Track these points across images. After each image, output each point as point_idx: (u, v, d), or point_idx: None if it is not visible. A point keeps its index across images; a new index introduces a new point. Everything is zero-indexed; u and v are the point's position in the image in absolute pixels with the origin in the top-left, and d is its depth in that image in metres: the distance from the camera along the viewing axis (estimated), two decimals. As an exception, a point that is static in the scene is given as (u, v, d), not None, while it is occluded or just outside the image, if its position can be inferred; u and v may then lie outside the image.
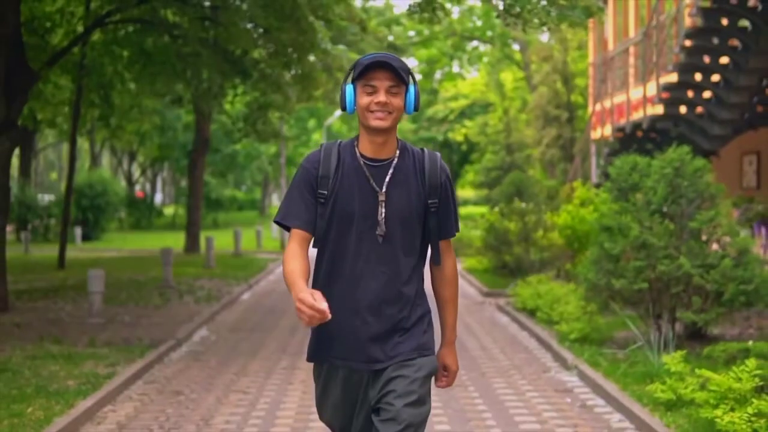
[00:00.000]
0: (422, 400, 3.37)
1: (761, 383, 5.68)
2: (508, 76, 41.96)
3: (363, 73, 3.36)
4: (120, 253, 26.94)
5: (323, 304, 3.05)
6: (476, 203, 49.47)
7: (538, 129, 31.29)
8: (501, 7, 11.70)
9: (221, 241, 28.40)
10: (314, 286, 3.42)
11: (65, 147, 55.04)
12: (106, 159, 57.73)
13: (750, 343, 7.62)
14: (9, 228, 27.74)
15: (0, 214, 12.24)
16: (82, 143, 47.10)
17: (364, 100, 3.36)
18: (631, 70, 19.65)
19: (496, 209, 17.64)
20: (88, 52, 18.51)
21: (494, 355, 9.96)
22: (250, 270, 20.14)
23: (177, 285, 16.09)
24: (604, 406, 7.47)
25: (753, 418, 5.15)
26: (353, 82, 3.40)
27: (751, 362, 5.72)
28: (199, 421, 6.99)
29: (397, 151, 3.46)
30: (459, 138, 46.86)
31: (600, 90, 22.33)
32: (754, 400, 5.30)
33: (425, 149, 3.52)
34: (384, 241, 3.39)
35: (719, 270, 8.64)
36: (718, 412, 5.28)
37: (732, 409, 5.37)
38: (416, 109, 3.46)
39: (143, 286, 16.00)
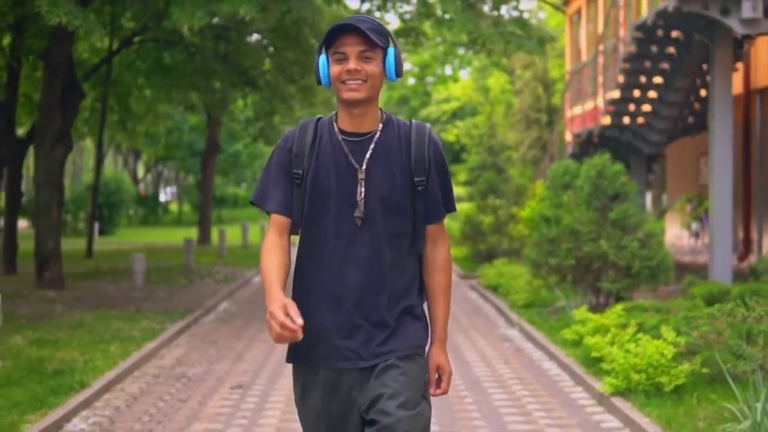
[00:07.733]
0: (416, 404, 3.00)
1: (624, 321, 8.26)
2: (497, 81, 44.48)
3: (332, 40, 3.00)
4: (136, 245, 29.42)
5: (298, 322, 2.86)
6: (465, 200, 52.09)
7: (520, 131, 33.86)
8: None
9: (229, 234, 30.90)
10: (295, 275, 3.14)
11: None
12: (109, 158, 59.86)
13: (640, 300, 10.19)
14: (28, 224, 30.40)
15: (57, 208, 14.75)
16: (87, 143, 49.36)
17: (335, 69, 3.00)
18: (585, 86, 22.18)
19: (473, 204, 20.24)
20: (114, 66, 21.02)
21: (460, 320, 12.53)
22: (258, 259, 22.53)
23: (197, 270, 18.67)
24: (532, 348, 10.07)
25: (612, 340, 7.72)
26: (326, 53, 3.05)
27: (619, 306, 8.32)
28: (234, 357, 9.60)
29: (380, 124, 3.07)
30: (451, 138, 49.53)
31: (566, 98, 24.92)
32: (613, 329, 7.88)
33: (413, 120, 3.15)
34: (363, 223, 3.02)
35: (629, 250, 11.20)
36: (590, 338, 7.86)
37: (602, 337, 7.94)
38: (398, 74, 3.05)
39: (168, 271, 18.56)
